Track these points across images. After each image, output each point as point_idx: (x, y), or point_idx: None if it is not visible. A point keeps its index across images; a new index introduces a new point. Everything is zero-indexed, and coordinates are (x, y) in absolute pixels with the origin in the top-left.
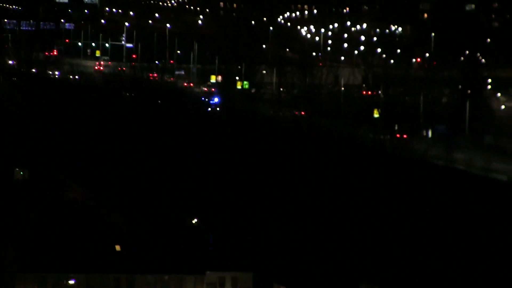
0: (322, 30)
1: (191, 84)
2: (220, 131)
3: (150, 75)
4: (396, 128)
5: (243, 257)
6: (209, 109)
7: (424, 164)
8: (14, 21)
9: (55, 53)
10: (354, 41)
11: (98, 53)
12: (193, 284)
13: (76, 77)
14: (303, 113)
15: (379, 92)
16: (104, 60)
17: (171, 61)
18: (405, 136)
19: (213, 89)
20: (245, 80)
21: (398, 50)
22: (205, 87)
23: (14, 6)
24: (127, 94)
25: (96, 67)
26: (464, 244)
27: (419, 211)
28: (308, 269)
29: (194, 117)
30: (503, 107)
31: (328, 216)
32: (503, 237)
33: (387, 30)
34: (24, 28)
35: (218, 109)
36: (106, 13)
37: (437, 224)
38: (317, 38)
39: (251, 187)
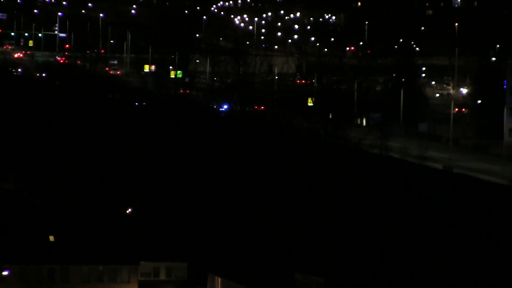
0: (256, 19)
1: (118, 72)
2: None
3: (79, 62)
4: (330, 116)
5: (178, 247)
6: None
7: (358, 153)
8: None
9: None
10: (288, 29)
11: (31, 43)
12: (127, 275)
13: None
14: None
15: (313, 80)
16: (10, 44)
17: (102, 51)
18: None
19: (118, 72)
20: (179, 70)
21: (332, 39)
22: (111, 70)
23: None
24: (59, 83)
25: (16, 55)
26: (397, 230)
27: (353, 198)
28: (243, 259)
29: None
30: (437, 95)
31: (261, 204)
32: (437, 224)
33: (321, 19)
34: None
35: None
36: (39, 3)
37: (371, 211)
38: (250, 27)
39: (185, 176)
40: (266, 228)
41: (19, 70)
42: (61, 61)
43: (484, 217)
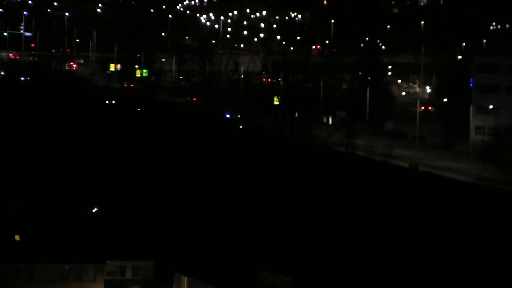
0: (222, 17)
1: (74, 67)
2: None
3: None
4: (296, 115)
5: (144, 246)
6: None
7: (325, 151)
8: None
9: None
10: (254, 28)
11: None
12: (93, 273)
13: None
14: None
15: (279, 79)
16: None
17: (68, 50)
18: None
19: (74, 67)
20: (145, 68)
21: (298, 37)
22: (75, 63)
23: None
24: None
25: None
26: (362, 228)
27: (320, 196)
28: (209, 258)
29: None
30: (403, 93)
31: (225, 202)
32: (403, 222)
33: (287, 17)
34: None
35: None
36: (5, 2)
37: (337, 208)
38: (216, 26)
39: (150, 175)
40: (231, 227)
41: None
42: (13, 57)
43: (449, 215)
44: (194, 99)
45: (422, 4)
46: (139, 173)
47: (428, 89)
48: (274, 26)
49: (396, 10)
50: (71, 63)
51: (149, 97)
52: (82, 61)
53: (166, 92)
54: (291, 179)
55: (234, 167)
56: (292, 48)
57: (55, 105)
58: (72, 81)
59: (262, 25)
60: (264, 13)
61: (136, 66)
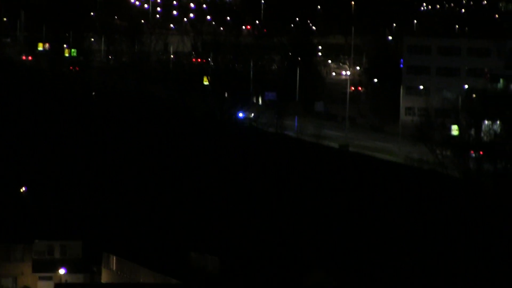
0: None
1: None
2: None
3: None
4: (226, 95)
5: (73, 226)
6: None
7: (254, 131)
8: None
9: None
10: (184, 8)
11: None
12: (21, 253)
13: None
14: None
15: (209, 59)
16: None
17: None
18: None
19: None
20: (73, 48)
21: (228, 17)
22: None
23: None
24: None
25: None
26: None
27: (248, 176)
28: (138, 238)
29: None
30: (334, 74)
31: (154, 183)
32: (334, 202)
33: None
34: None
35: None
36: None
37: (267, 189)
38: (146, 6)
39: (79, 154)
40: (160, 207)
41: None
42: None
43: (379, 195)
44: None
45: None
46: (66, 152)
47: (359, 70)
48: (204, 6)
49: None
50: None
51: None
52: (9, 40)
53: (93, 71)
54: (219, 159)
55: (165, 147)
56: (222, 28)
57: None
58: None
59: (192, 5)
60: None
61: (65, 46)
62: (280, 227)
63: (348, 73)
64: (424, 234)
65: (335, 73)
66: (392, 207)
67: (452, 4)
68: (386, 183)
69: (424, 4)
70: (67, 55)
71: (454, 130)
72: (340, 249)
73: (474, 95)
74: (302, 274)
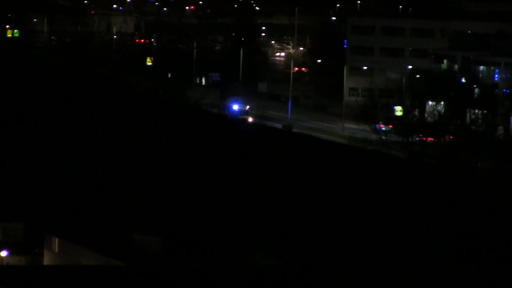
0: None
1: None
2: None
3: None
4: (169, 76)
5: (15, 206)
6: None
7: (198, 111)
8: None
9: None
10: None
11: None
12: None
13: None
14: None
15: (152, 40)
16: None
17: None
18: None
19: None
20: (16, 29)
21: None
22: None
23: None
24: None
25: None
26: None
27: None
28: (80, 219)
29: None
30: (277, 54)
31: (99, 162)
32: (279, 183)
33: None
34: None
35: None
36: None
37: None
38: None
39: (21, 133)
40: (104, 188)
41: None
42: None
43: (321, 176)
44: None
45: None
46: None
47: (303, 50)
48: None
49: None
50: None
51: None
52: None
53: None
54: (163, 139)
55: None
56: (165, 8)
57: None
58: None
59: None
60: None
61: (7, 26)
62: (225, 209)
63: (292, 53)
64: (369, 217)
65: (279, 53)
66: (336, 188)
67: None
68: (330, 164)
69: None
70: (9, 35)
71: (398, 110)
72: (282, 231)
73: (418, 76)
74: (245, 255)
